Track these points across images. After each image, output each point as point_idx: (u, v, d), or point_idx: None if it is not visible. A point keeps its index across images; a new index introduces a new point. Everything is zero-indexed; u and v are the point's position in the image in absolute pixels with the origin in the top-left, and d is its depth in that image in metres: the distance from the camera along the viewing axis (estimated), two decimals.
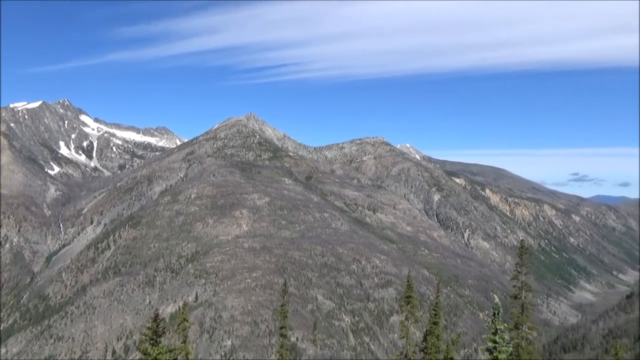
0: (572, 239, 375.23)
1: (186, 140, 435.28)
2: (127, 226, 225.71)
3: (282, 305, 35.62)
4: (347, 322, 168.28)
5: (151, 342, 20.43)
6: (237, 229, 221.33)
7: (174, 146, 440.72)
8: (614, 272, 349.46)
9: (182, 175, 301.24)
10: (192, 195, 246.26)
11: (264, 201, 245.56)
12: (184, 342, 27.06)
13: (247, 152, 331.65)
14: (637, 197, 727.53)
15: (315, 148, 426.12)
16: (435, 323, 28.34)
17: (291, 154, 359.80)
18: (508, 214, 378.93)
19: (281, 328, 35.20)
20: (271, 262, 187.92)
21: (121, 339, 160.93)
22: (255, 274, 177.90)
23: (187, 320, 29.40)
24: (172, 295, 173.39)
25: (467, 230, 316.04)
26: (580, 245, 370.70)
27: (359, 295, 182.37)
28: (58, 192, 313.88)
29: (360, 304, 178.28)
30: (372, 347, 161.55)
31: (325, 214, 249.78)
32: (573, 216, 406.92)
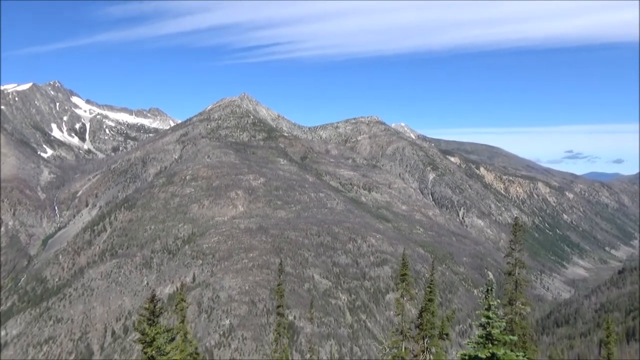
0: (565, 216, 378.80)
1: (180, 121, 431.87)
2: (122, 208, 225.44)
3: (278, 285, 35.90)
4: (344, 300, 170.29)
5: (149, 322, 20.52)
6: (233, 210, 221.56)
7: (168, 127, 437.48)
8: (607, 248, 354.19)
9: (176, 157, 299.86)
10: (187, 177, 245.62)
11: (259, 182, 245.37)
12: (182, 321, 27.27)
13: (241, 133, 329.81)
14: (631, 173, 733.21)
15: (309, 128, 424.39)
16: (430, 300, 28.68)
17: (286, 134, 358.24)
18: (502, 192, 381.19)
19: (278, 307, 35.55)
20: (267, 242, 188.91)
21: (120, 319, 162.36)
22: (251, 254, 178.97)
23: (185, 301, 29.59)
24: (169, 277, 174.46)
25: (461, 208, 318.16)
26: (574, 222, 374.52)
27: (355, 274, 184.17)
28: (52, 175, 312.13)
29: (357, 282, 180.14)
30: (369, 324, 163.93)
31: (320, 194, 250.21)
32: (567, 193, 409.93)
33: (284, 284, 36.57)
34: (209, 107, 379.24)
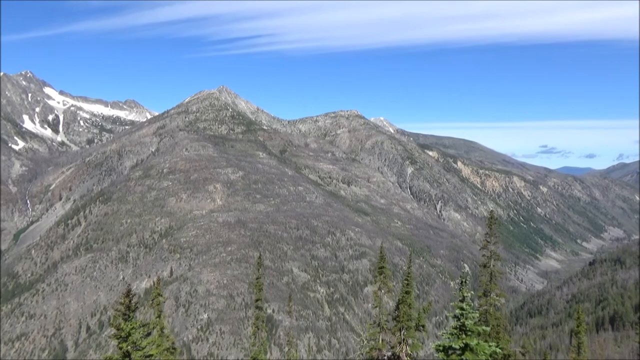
0: (539, 210, 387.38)
1: (157, 113, 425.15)
2: (97, 202, 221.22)
3: (257, 278, 35.81)
4: (322, 293, 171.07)
5: (124, 317, 20.23)
6: (211, 203, 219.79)
7: (144, 120, 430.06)
8: (578, 241, 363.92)
9: (153, 150, 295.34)
10: (165, 170, 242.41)
11: (238, 175, 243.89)
12: (159, 316, 26.99)
13: (220, 126, 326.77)
14: (602, 168, 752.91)
15: (289, 121, 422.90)
16: (407, 292, 29.03)
17: (265, 127, 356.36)
18: (479, 185, 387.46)
19: (257, 300, 35.46)
20: (246, 236, 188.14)
21: (95, 315, 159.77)
22: (230, 248, 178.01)
23: (162, 295, 29.27)
24: (146, 271, 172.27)
25: (439, 202, 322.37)
26: (547, 216, 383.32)
27: (333, 267, 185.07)
28: (24, 168, 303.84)
29: (335, 275, 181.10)
30: (347, 316, 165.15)
31: (299, 188, 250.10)
32: (541, 187, 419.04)
33: (262, 277, 36.51)
34: (187, 100, 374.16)
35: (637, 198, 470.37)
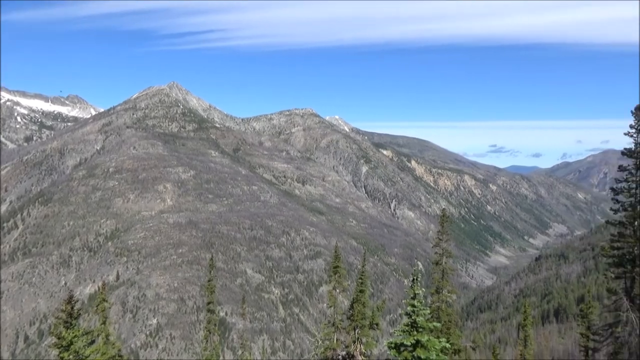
0: (489, 207, 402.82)
1: (102, 110, 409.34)
2: (36, 203, 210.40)
3: (209, 281, 35.17)
4: (277, 294, 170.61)
5: (65, 325, 19.35)
6: (160, 203, 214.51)
7: (89, 116, 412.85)
8: (526, 237, 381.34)
9: (98, 148, 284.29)
10: (111, 169, 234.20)
11: (189, 174, 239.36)
12: (104, 323, 25.98)
13: (170, 123, 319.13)
14: (547, 166, 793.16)
15: (242, 119, 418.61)
16: (361, 291, 29.39)
17: (217, 125, 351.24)
18: (432, 184, 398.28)
19: (208, 303, 34.83)
20: (198, 237, 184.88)
21: (34, 323, 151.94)
22: (181, 250, 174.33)
23: (107, 301, 28.20)
24: (90, 276, 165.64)
25: (393, 200, 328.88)
26: (496, 213, 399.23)
27: (288, 268, 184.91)
28: None
29: (290, 275, 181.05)
30: (302, 317, 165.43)
31: (253, 187, 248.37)
32: (490, 185, 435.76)
33: (214, 279, 35.91)
34: (134, 96, 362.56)
35: (579, 196, 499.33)
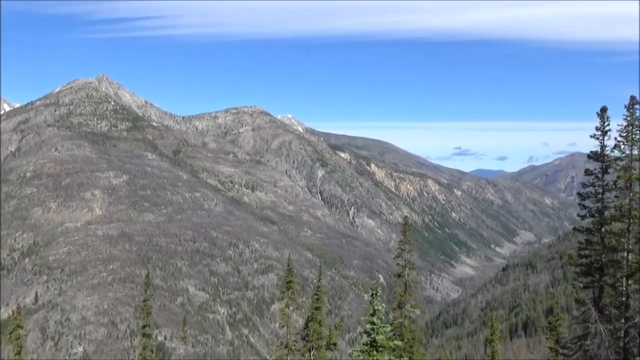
0: (454, 214, 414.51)
1: (18, 105, 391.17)
2: None
3: (144, 301, 34.24)
4: (223, 314, 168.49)
5: None
6: (88, 213, 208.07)
7: (1, 112, 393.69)
8: (492, 246, 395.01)
9: (12, 149, 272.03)
10: (28, 174, 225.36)
11: (121, 180, 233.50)
12: (19, 352, 24.78)
13: (99, 122, 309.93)
14: (513, 170, 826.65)
15: (184, 118, 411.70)
16: (317, 308, 29.47)
17: (155, 124, 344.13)
18: (393, 189, 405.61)
19: (144, 327, 33.90)
20: (132, 252, 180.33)
21: None
22: (112, 267, 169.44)
23: (23, 327, 26.93)
24: (3, 298, 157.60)
25: (352, 207, 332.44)
26: (462, 220, 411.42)
27: (236, 284, 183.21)
28: None
29: (238, 293, 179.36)
30: (252, 339, 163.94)
31: (196, 194, 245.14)
32: (455, 191, 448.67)
33: (151, 299, 35.02)
34: (57, 90, 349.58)
35: (546, 201, 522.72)
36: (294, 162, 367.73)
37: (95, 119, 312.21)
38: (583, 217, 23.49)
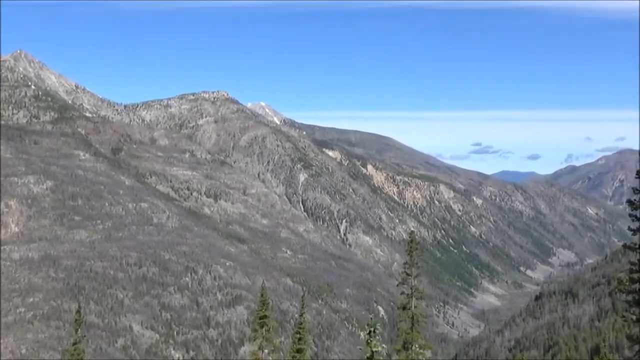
0: (473, 228, 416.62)
1: None
2: None
3: (74, 344, 34.02)
4: (179, 359, 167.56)
5: None
6: (0, 231, 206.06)
7: None
8: (521, 268, 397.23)
9: None
10: None
11: (44, 187, 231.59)
12: None
13: (15, 111, 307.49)
14: (548, 172, 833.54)
15: (126, 106, 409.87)
16: (299, 351, 29.45)
17: (89, 114, 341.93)
18: (396, 197, 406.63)
19: None
20: (58, 280, 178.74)
21: None
22: (32, 299, 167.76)
23: None
24: None
25: (343, 221, 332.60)
26: (483, 236, 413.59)
27: (194, 320, 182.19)
28: None
29: (197, 332, 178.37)
30: None
31: (143, 204, 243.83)
32: (474, 199, 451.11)
33: (83, 341, 34.78)
34: None
35: (590, 211, 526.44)
36: (268, 162, 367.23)
37: (10, 107, 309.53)
38: (635, 232, 23.57)
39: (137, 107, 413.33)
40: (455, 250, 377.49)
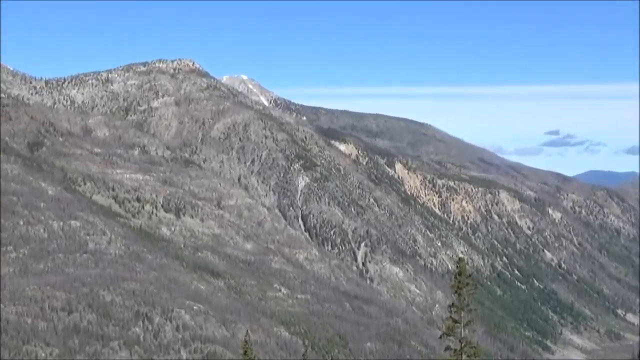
0: (548, 254, 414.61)
1: None
2: None
3: None
4: None
5: None
6: None
7: None
8: (619, 311, 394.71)
9: None
10: None
11: None
12: None
13: None
14: None
15: (49, 82, 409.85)
16: None
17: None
18: (437, 210, 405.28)
19: None
20: None
21: None
22: None
23: None
24: None
25: (362, 245, 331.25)
26: (563, 265, 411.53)
27: None
28: None
29: None
30: None
31: (73, 223, 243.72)
32: (550, 211, 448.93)
33: None
34: None
35: None
36: (253, 161, 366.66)
37: None
38: None
39: (63, 83, 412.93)
40: (524, 286, 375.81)
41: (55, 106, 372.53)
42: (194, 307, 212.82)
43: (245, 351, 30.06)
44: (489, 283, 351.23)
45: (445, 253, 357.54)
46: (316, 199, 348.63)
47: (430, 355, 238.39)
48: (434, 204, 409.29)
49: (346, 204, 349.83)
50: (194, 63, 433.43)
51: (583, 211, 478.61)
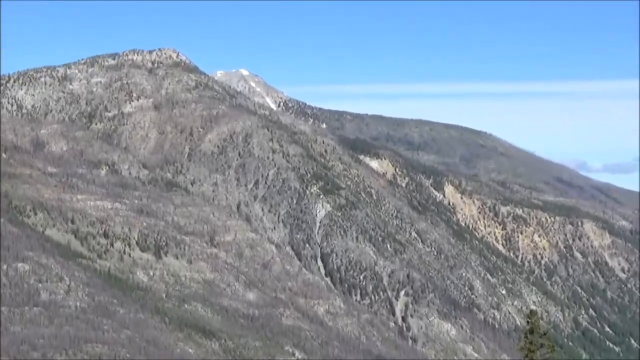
0: None
1: None
2: None
3: None
4: None
5: None
6: None
7: None
8: None
9: None
10: None
11: None
12: None
13: None
14: None
15: None
16: None
17: None
18: (500, 245, 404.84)
19: None
20: None
21: None
22: None
23: None
24: None
25: (401, 293, 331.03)
26: None
27: None
28: None
29: None
30: None
31: (20, 266, 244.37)
32: None
33: None
34: None
35: None
36: (257, 183, 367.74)
37: None
38: None
39: (7, 82, 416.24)
40: (617, 348, 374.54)
41: None
42: None
43: None
44: (570, 343, 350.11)
45: (512, 304, 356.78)
46: (340, 233, 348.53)
47: None
48: (496, 238, 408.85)
49: (380, 239, 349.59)
50: (178, 54, 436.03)
51: None
